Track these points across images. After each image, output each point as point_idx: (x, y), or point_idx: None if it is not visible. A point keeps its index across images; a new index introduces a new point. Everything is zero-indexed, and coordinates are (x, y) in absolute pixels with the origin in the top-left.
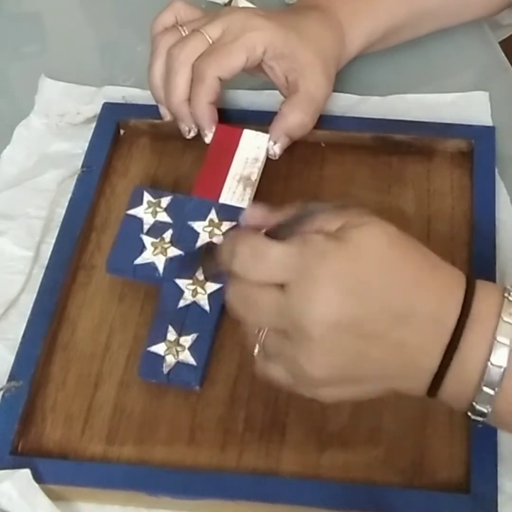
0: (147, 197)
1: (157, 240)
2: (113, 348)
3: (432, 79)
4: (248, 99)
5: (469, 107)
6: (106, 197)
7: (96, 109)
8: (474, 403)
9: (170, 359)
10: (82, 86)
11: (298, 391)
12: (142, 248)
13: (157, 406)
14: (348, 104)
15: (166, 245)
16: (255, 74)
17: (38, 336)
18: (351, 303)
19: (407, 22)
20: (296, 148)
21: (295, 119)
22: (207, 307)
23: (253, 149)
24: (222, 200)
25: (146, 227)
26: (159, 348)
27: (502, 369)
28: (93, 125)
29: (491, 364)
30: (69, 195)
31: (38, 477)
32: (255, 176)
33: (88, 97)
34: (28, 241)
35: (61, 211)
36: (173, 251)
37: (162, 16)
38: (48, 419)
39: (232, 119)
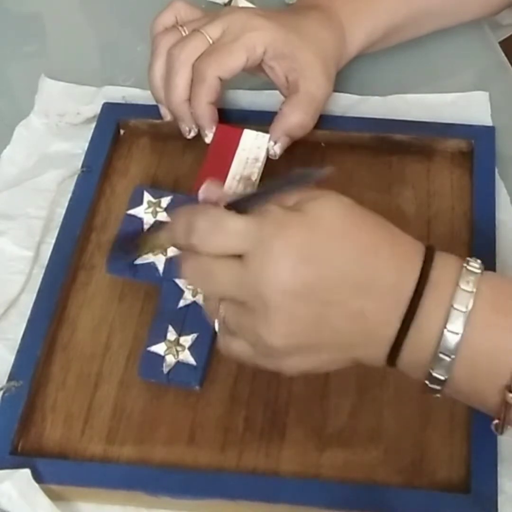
0: (147, 197)
1: None
2: (113, 348)
3: (432, 79)
4: (248, 99)
5: (469, 107)
6: (106, 197)
7: (96, 109)
8: (431, 370)
9: (170, 359)
10: (82, 86)
11: (261, 364)
12: None
13: (157, 406)
14: (348, 104)
15: None
16: (255, 74)
17: (38, 336)
18: (308, 271)
19: (407, 22)
20: (296, 148)
21: (296, 119)
22: None
23: (253, 149)
24: None
25: (146, 227)
26: (159, 348)
27: (458, 336)
28: (93, 125)
29: (448, 331)
30: (69, 195)
31: (38, 477)
32: (255, 176)
33: (88, 97)
34: (28, 241)
35: (61, 211)
36: (173, 251)
37: (162, 16)
38: (48, 419)
39: (232, 119)
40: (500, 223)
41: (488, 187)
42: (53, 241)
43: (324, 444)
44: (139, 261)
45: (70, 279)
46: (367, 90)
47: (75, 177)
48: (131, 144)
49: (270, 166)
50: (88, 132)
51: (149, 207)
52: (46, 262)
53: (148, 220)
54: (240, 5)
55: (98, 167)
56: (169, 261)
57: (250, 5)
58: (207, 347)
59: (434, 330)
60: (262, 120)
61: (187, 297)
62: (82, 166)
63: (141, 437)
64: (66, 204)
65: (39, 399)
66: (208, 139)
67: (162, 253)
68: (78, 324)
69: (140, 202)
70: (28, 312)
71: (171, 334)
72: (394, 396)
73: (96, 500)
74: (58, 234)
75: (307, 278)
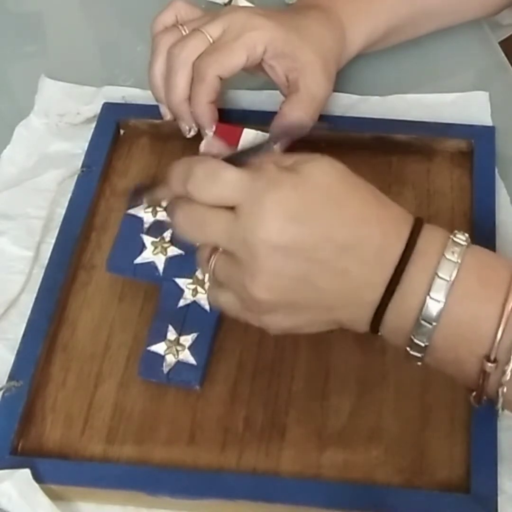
0: None
1: (157, 240)
2: (113, 348)
3: (432, 79)
4: (248, 99)
5: (469, 107)
6: (106, 197)
7: (96, 109)
8: (412, 337)
9: (170, 359)
10: (82, 86)
11: (246, 319)
12: (142, 247)
13: (157, 406)
14: (348, 104)
15: (166, 244)
16: (255, 73)
17: (38, 336)
18: (295, 229)
19: (407, 22)
20: (296, 148)
21: (296, 119)
22: (207, 307)
23: None
24: None
25: (146, 226)
26: (159, 348)
27: (440, 304)
28: (93, 125)
29: (430, 298)
30: (69, 195)
31: (38, 477)
32: None
33: (88, 97)
34: (28, 241)
35: (61, 211)
36: (173, 251)
37: (162, 15)
38: (48, 419)
39: (232, 119)
40: (500, 223)
41: (488, 187)
42: (53, 241)
43: (324, 444)
44: (139, 260)
45: (70, 279)
46: (367, 90)
47: (75, 177)
48: (131, 144)
49: None
50: (88, 132)
51: (149, 206)
52: (46, 262)
53: (148, 219)
54: (240, 4)
55: (98, 167)
56: (169, 260)
57: (250, 4)
58: (207, 346)
59: (417, 297)
60: (262, 120)
61: (187, 297)
62: (82, 166)
63: (141, 437)
64: (66, 204)
65: (39, 399)
66: None
67: (162, 253)
68: (78, 324)
69: (140, 201)
70: (28, 312)
71: (171, 334)
72: (394, 396)
73: (96, 500)
74: (58, 234)
75: (293, 236)
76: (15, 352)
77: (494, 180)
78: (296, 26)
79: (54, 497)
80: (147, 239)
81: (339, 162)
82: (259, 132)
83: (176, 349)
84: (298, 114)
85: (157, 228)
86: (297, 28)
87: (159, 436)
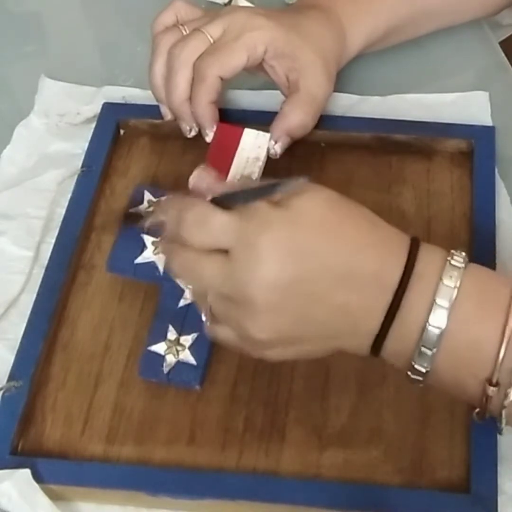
0: (147, 196)
1: (158, 239)
2: (113, 348)
3: (432, 79)
4: (248, 99)
5: (469, 107)
6: (106, 197)
7: (96, 109)
8: (412, 363)
9: (170, 359)
10: (82, 86)
11: (246, 351)
12: (143, 247)
13: (157, 406)
14: (348, 104)
15: None
16: (255, 73)
17: (38, 336)
18: (290, 265)
19: (407, 22)
20: (296, 148)
21: (296, 119)
22: None
23: (254, 148)
24: None
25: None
26: (159, 348)
27: (439, 331)
28: (93, 125)
29: (429, 325)
30: (69, 195)
31: (38, 477)
32: (255, 175)
33: (88, 97)
34: (28, 241)
35: (61, 211)
36: None
37: (162, 15)
38: (48, 419)
39: (233, 119)
40: (500, 223)
41: (488, 187)
42: (53, 241)
43: (324, 444)
44: (139, 260)
45: (70, 279)
46: (367, 90)
47: (75, 177)
48: (131, 144)
49: (271, 166)
50: (88, 132)
51: (149, 206)
52: (46, 262)
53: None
54: (240, 4)
55: (98, 167)
56: None
57: (250, 4)
58: (208, 346)
59: (417, 323)
60: (262, 120)
61: (188, 297)
62: (82, 166)
63: (141, 437)
64: (66, 204)
65: (39, 399)
66: (208, 138)
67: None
68: (78, 324)
69: (140, 201)
70: (28, 312)
71: (172, 334)
72: (394, 396)
73: (96, 500)
74: (58, 234)
75: (290, 274)
76: (15, 352)
77: (494, 180)
78: (296, 26)
79: (54, 497)
80: (148, 239)
81: (329, 190)
82: (260, 132)
83: (176, 349)
84: (298, 114)
85: (157, 228)
86: (297, 28)
87: (159, 436)
